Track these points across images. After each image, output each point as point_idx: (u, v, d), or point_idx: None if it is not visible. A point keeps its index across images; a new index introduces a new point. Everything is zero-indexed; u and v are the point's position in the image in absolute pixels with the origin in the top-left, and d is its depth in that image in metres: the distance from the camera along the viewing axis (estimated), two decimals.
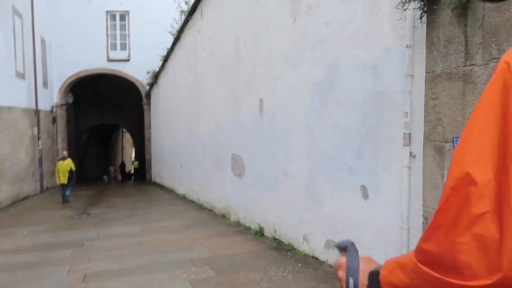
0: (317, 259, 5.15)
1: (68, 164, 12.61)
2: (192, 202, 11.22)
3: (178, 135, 13.59)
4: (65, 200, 12.40)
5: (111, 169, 29.66)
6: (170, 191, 14.61)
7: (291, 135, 5.73)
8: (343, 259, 0.93)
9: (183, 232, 7.26)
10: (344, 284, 0.90)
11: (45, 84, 17.90)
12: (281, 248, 5.78)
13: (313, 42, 5.16)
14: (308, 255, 5.33)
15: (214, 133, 9.35)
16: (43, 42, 17.75)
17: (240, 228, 7.28)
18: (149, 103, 20.85)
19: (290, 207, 5.83)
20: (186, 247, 6.16)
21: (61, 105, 20.00)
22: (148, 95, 20.73)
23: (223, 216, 8.58)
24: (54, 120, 19.28)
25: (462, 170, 0.69)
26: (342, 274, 0.92)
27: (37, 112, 15.80)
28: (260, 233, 6.63)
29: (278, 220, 6.21)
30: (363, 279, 0.87)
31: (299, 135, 5.49)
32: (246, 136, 7.36)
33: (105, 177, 27.38)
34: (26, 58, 14.62)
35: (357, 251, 0.94)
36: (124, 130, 34.52)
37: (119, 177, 29.82)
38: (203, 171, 10.39)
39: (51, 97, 19.28)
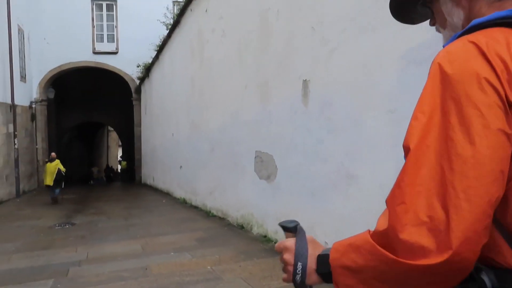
0: None
1: (56, 165, 12.17)
2: (196, 208, 9.49)
3: (177, 132, 11.83)
4: (53, 199, 11.97)
5: (95, 170, 27.46)
6: (166, 194, 12.82)
7: (360, 126, 4.10)
8: (290, 242, 0.91)
9: (199, 251, 5.55)
10: (291, 268, 0.88)
11: (22, 78, 15.86)
12: None
13: None
14: None
15: (228, 128, 7.66)
16: (20, 31, 15.73)
17: (271, 245, 5.62)
18: (139, 99, 18.98)
19: (354, 222, 4.21)
20: (211, 276, 4.46)
21: (41, 101, 17.94)
22: (138, 90, 18.86)
23: (242, 227, 6.91)
24: (33, 117, 17.23)
25: None
26: (289, 257, 0.90)
27: (13, 107, 13.79)
28: (265, 237, 4.99)
29: (333, 239, 4.58)
30: (311, 262, 0.86)
31: (378, 124, 3.87)
32: (279, 130, 5.71)
33: (91, 182, 25.27)
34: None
35: (305, 233, 0.92)
36: (110, 128, 32.36)
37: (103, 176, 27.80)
38: (211, 173, 8.68)
39: (30, 92, 17.23)
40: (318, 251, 0.87)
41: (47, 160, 13.18)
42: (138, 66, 17.68)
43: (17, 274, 4.85)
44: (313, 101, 4.92)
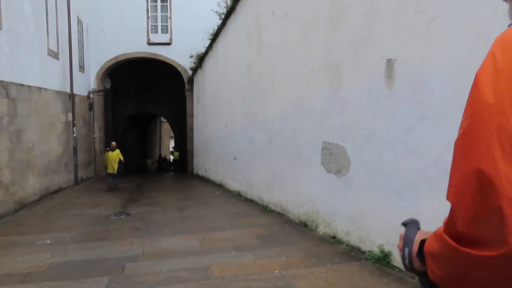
0: None
1: (117, 154, 12.55)
2: (252, 201, 8.96)
3: (231, 122, 11.35)
4: (113, 187, 12.32)
5: (149, 161, 27.84)
6: (219, 186, 12.42)
7: None
8: (402, 231, 1.00)
9: (262, 251, 4.98)
10: (401, 253, 0.97)
11: (81, 68, 16.06)
12: None
13: None
14: None
15: (289, 117, 7.02)
16: (79, 22, 15.91)
17: (343, 248, 4.94)
18: (191, 90, 18.77)
19: None
20: (281, 283, 3.86)
21: (99, 91, 18.19)
22: (191, 81, 18.64)
23: (305, 225, 6.26)
24: (90, 107, 17.50)
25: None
26: (400, 244, 0.99)
27: (72, 96, 13.94)
28: (385, 260, 4.26)
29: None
30: (415, 247, 0.93)
31: None
32: (354, 118, 4.98)
33: (146, 172, 25.70)
34: (60, 37, 12.71)
35: (418, 227, 0.99)
36: (163, 120, 32.79)
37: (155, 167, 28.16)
38: (268, 165, 8.10)
39: (88, 83, 17.48)
40: (424, 237, 0.91)
41: (108, 148, 13.33)
42: (191, 57, 17.44)
43: (72, 268, 4.52)
44: (400, 83, 4.15)
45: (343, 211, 5.21)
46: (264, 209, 7.97)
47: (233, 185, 11.00)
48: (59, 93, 12.54)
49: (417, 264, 0.91)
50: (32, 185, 9.76)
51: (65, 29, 13.45)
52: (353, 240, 4.96)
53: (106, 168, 12.82)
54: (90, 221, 7.53)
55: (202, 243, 5.52)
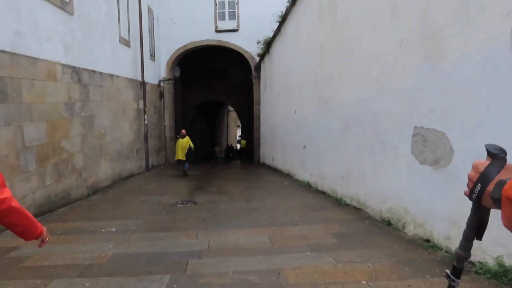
0: None
1: (187, 141, 12.75)
2: (323, 193, 8.19)
3: (300, 109, 10.60)
4: (183, 172, 12.81)
5: (217, 149, 28.01)
6: (287, 175, 11.79)
7: None
8: (482, 162, 0.91)
9: (342, 253, 4.23)
10: (471, 185, 0.92)
11: (152, 56, 16.19)
12: None
13: None
14: None
15: (370, 100, 6.11)
16: (150, 12, 15.98)
17: (442, 255, 4.02)
18: (258, 77, 18.24)
19: None
20: None
21: (168, 79, 18.32)
22: (258, 67, 18.10)
23: (388, 223, 5.38)
24: (161, 95, 17.68)
25: None
26: (473, 175, 0.92)
27: (143, 84, 14.03)
28: (505, 277, 3.30)
29: None
30: (490, 187, 0.87)
31: None
32: (459, 96, 4.01)
33: (213, 160, 25.90)
34: (131, 25, 12.75)
35: (505, 163, 0.89)
36: (230, 108, 32.87)
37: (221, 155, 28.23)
38: (344, 154, 7.25)
39: (158, 71, 17.64)
40: (504, 177, 0.86)
41: (178, 136, 13.49)
42: (258, 43, 16.84)
43: (133, 262, 4.13)
44: None
45: (442, 211, 4.27)
46: (338, 202, 7.17)
47: (302, 175, 10.29)
48: (131, 80, 12.61)
49: (486, 202, 0.89)
50: (105, 170, 9.84)
51: (136, 17, 13.50)
52: (457, 247, 4.02)
53: (176, 154, 13.07)
54: (157, 209, 7.27)
55: (272, 240, 4.90)
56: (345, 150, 7.19)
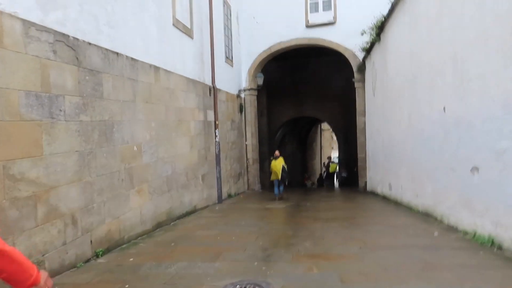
0: None
1: (280, 162, 11.73)
2: None
3: (453, 106, 5.75)
4: (279, 196, 11.59)
5: (308, 183, 23.04)
6: (426, 217, 6.83)
7: None
8: None
9: None
10: None
11: (228, 59, 12.54)
12: None
13: None
14: None
15: None
16: (226, 5, 12.46)
17: None
18: (362, 79, 13.51)
19: None
20: None
21: (250, 89, 14.53)
22: (362, 68, 13.41)
23: None
24: (241, 108, 13.90)
25: None
26: None
27: (214, 90, 10.34)
28: None
29: None
30: None
31: None
32: None
33: (308, 183, 21.45)
34: (195, 11, 9.21)
35: None
36: (323, 127, 28.29)
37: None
38: None
39: (238, 79, 13.98)
40: None
41: (272, 157, 12.33)
42: (362, 34, 12.13)
43: None
44: None
45: None
46: None
47: (467, 220, 5.31)
48: (193, 82, 8.96)
49: None
50: (137, 209, 6.03)
51: (204, 5, 9.98)
52: None
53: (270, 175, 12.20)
54: None
55: None
56: None
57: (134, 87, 6.11)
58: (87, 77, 4.88)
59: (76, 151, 4.63)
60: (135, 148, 6.05)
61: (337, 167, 21.69)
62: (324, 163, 24.70)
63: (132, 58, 6.08)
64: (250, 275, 3.99)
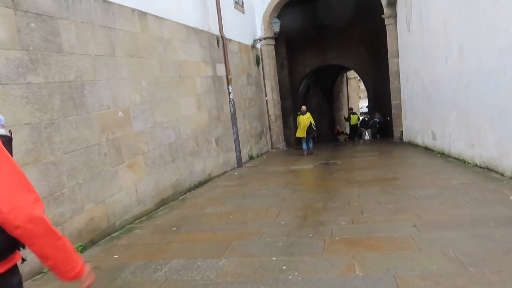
0: None
1: (307, 118, 11.14)
2: None
3: None
4: (308, 152, 11.20)
5: (341, 138, 21.18)
6: (486, 171, 5.38)
7: None
8: None
9: None
10: None
11: (237, 5, 10.85)
12: None
13: None
14: None
15: None
16: None
17: None
18: (394, 15, 11.51)
19: None
20: None
21: (266, 38, 12.84)
22: (393, 1, 11.38)
23: None
24: (257, 60, 12.34)
25: None
26: None
27: (222, 40, 8.85)
28: None
29: None
30: None
31: None
32: None
33: (340, 138, 19.90)
34: None
35: None
36: (350, 76, 26.18)
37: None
38: None
39: (251, 28, 12.30)
40: None
41: (299, 112, 11.55)
42: None
43: None
44: None
45: None
46: None
47: None
48: (195, 31, 7.49)
49: None
50: (131, 187, 4.90)
51: None
52: None
53: (297, 132, 11.49)
54: None
55: None
56: None
57: (111, 38, 4.76)
58: (32, 24, 3.57)
59: (26, 124, 3.43)
60: (120, 113, 4.81)
61: (358, 118, 19.95)
62: (344, 116, 22.80)
63: (103, 0, 4.69)
64: (265, 280, 2.78)
